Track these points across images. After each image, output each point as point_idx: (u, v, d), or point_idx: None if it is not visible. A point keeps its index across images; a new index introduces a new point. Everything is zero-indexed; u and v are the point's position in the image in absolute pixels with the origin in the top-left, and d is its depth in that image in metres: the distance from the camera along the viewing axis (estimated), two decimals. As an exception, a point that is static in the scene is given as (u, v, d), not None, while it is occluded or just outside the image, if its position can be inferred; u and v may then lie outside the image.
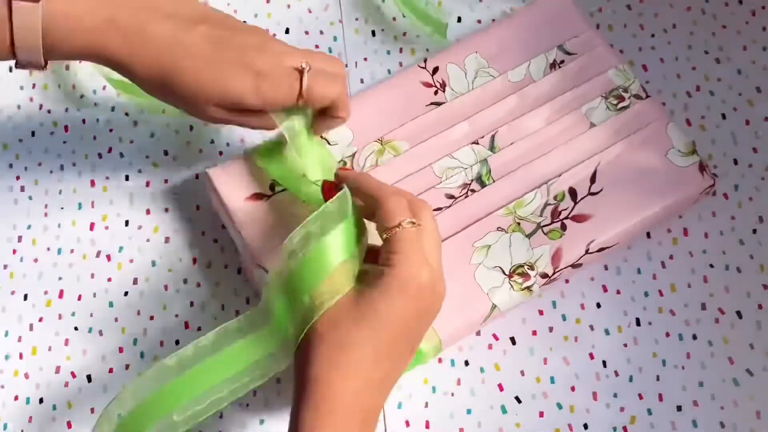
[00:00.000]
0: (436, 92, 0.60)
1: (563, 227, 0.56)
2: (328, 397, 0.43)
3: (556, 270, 0.55)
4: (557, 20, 0.63)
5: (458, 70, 0.61)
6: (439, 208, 0.56)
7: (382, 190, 0.48)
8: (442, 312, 0.51)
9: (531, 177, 0.58)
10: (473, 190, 0.57)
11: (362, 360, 0.44)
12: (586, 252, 0.56)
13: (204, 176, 0.59)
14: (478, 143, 0.58)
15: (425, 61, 0.61)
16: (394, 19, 0.69)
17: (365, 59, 0.68)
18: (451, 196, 0.57)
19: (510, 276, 0.55)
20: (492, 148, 0.58)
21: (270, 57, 0.50)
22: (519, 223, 0.56)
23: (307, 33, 0.69)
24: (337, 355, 0.44)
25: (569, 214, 0.57)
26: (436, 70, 0.61)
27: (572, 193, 0.57)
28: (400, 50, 0.68)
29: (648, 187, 0.58)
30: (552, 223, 0.57)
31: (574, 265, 0.56)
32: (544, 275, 0.55)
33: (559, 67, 0.61)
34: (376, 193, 0.47)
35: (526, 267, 0.55)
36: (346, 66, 0.67)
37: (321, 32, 0.69)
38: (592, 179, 0.58)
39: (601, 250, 0.57)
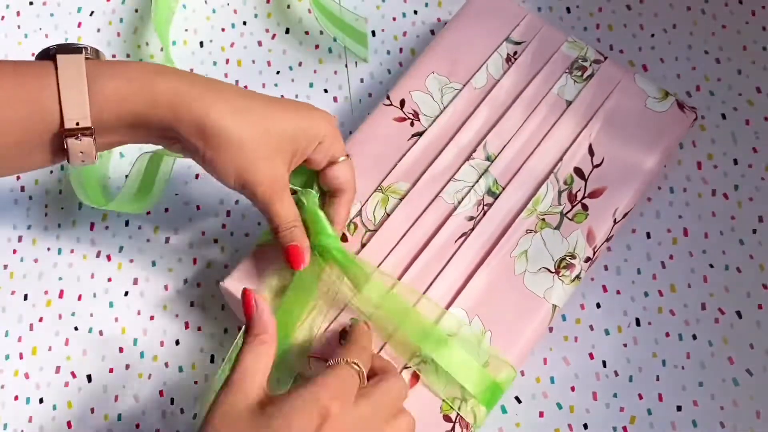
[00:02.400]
0: (412, 123, 0.59)
1: (584, 207, 0.57)
2: None
3: (595, 249, 0.56)
4: (494, 15, 0.63)
5: (423, 95, 0.60)
6: (465, 233, 0.56)
7: (360, 338, 0.49)
8: (506, 333, 0.53)
9: (535, 172, 0.58)
10: (488, 204, 0.57)
11: None
12: (614, 222, 0.57)
13: (222, 289, 0.55)
14: (473, 158, 0.58)
15: (388, 97, 0.60)
16: (394, 18, 0.69)
17: (365, 59, 0.68)
18: (470, 218, 0.56)
19: (557, 272, 0.55)
20: (488, 158, 0.58)
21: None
22: (543, 219, 0.56)
23: (307, 33, 0.69)
24: None
25: (585, 193, 0.57)
26: (402, 102, 0.60)
27: (578, 172, 0.58)
28: (400, 50, 0.68)
29: (641, 140, 0.59)
30: (573, 207, 0.57)
31: (608, 239, 0.57)
32: (587, 259, 0.56)
33: (515, 59, 0.61)
34: (351, 337, 0.49)
35: (568, 258, 0.55)
36: (346, 66, 0.67)
37: (321, 32, 0.69)
38: (591, 153, 0.58)
39: (625, 215, 0.57)
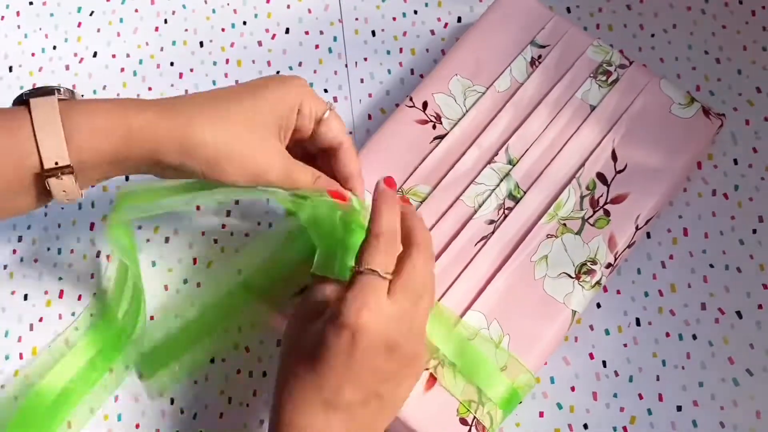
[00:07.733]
0: (434, 126, 0.59)
1: (606, 213, 0.57)
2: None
3: (617, 256, 0.56)
4: (520, 17, 0.63)
5: (447, 98, 0.60)
6: (485, 237, 0.56)
7: (376, 223, 0.46)
8: (525, 338, 0.52)
9: (557, 176, 0.58)
10: (509, 208, 0.57)
11: (306, 399, 0.44)
12: (637, 229, 0.57)
13: None
14: (494, 161, 0.58)
15: (411, 99, 0.60)
16: (394, 18, 0.69)
17: (365, 59, 0.68)
18: (491, 221, 0.56)
19: (578, 277, 0.55)
20: (509, 161, 0.58)
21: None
22: (565, 224, 0.56)
23: (307, 33, 0.69)
24: (289, 386, 0.44)
25: (607, 199, 0.57)
26: (425, 104, 0.60)
27: (601, 178, 0.58)
28: (400, 50, 0.68)
29: (665, 147, 0.58)
30: (594, 213, 0.57)
31: (630, 245, 0.57)
32: (608, 265, 0.56)
33: (539, 62, 0.61)
34: (371, 225, 0.46)
35: (589, 263, 0.55)
36: (346, 66, 0.67)
37: (321, 32, 0.69)
38: (614, 158, 0.58)
39: (647, 222, 0.57)
